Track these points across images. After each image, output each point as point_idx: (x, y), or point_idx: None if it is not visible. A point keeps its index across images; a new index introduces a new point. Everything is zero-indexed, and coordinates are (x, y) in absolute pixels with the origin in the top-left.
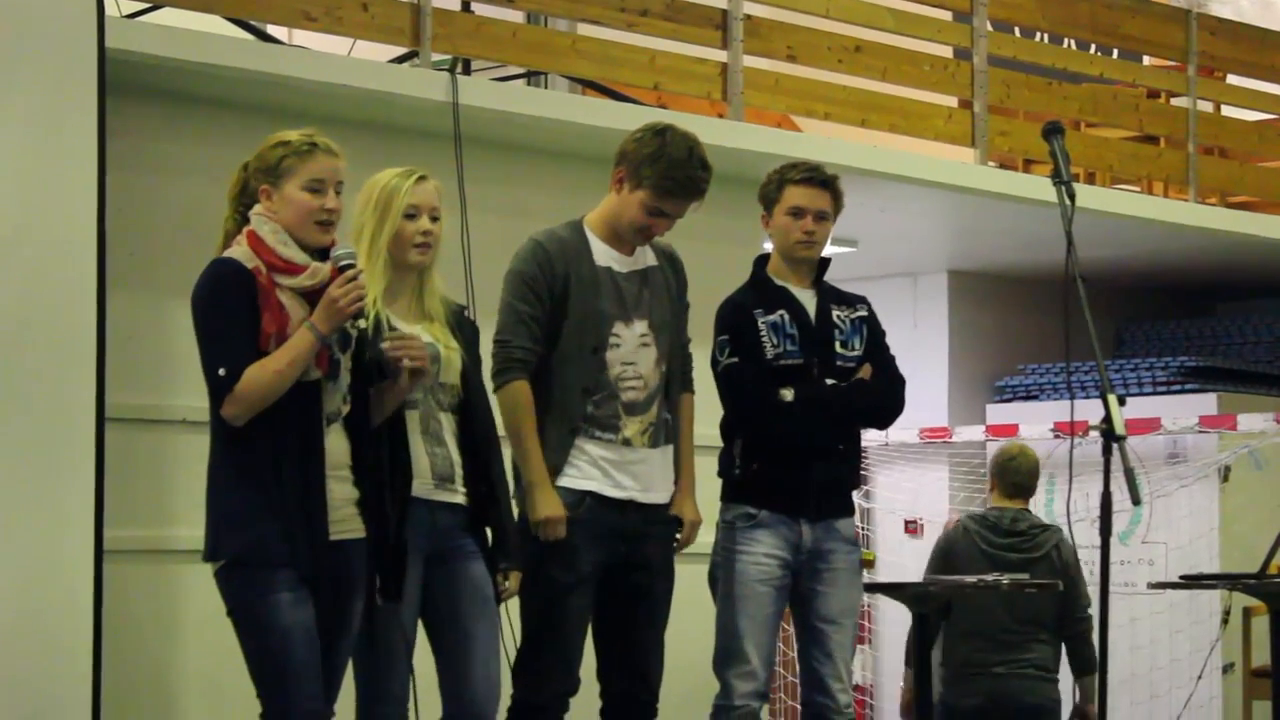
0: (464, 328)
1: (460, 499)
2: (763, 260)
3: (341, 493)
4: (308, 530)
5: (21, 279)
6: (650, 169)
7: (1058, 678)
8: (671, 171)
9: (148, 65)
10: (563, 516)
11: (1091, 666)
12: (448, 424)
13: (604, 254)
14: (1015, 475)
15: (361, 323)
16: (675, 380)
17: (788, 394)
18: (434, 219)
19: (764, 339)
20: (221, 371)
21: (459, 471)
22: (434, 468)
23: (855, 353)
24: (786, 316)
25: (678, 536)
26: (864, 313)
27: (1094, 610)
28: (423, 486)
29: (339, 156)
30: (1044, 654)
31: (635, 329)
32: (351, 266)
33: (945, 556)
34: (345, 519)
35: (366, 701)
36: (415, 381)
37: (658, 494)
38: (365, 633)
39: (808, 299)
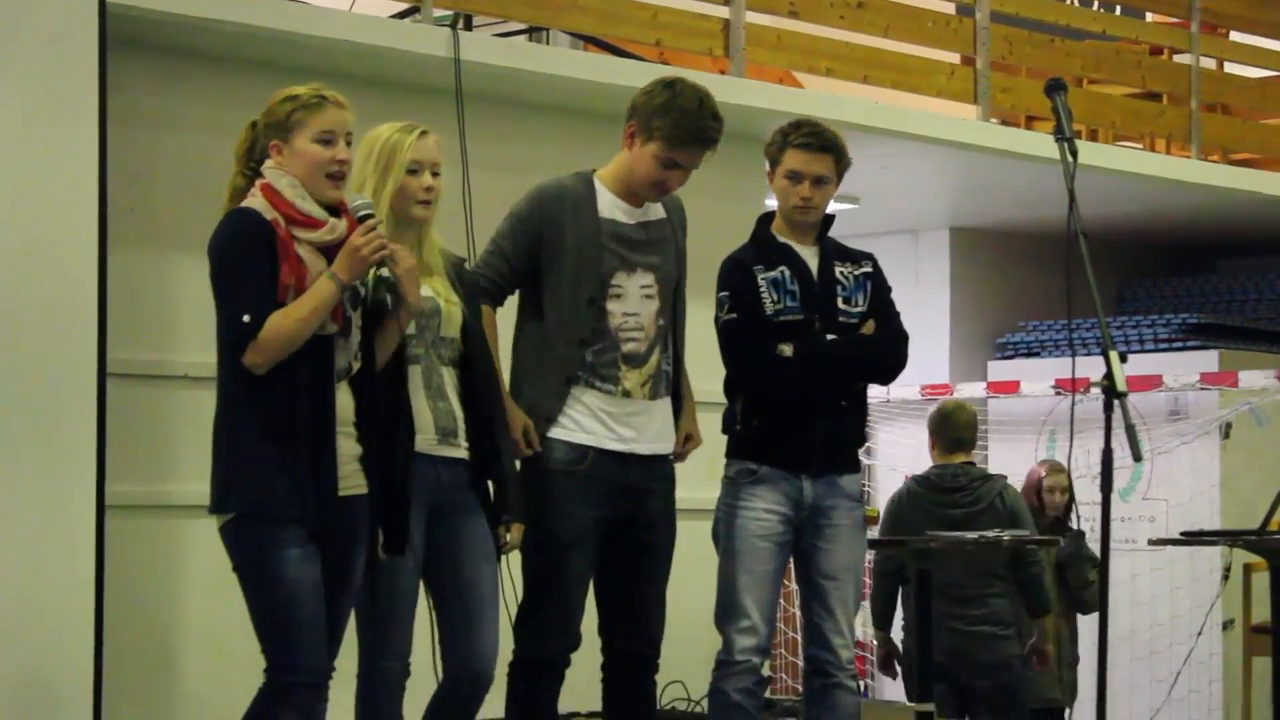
0: (464, 280)
1: (462, 453)
2: (766, 217)
3: (346, 448)
4: (316, 486)
5: (22, 235)
6: (661, 120)
7: (1013, 631)
8: (683, 121)
9: (149, 20)
10: (529, 424)
11: (1045, 608)
12: (449, 378)
13: (610, 205)
14: (952, 430)
15: (384, 271)
16: (680, 337)
17: (787, 349)
18: (435, 174)
19: (764, 295)
20: (246, 318)
21: (461, 426)
22: (437, 422)
23: (858, 309)
24: (788, 273)
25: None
26: (868, 269)
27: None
28: (426, 442)
29: (347, 109)
30: (1000, 606)
31: (638, 280)
32: (371, 216)
33: (894, 520)
34: (349, 475)
35: (369, 656)
36: (407, 313)
37: (659, 445)
38: (368, 588)
39: (810, 255)
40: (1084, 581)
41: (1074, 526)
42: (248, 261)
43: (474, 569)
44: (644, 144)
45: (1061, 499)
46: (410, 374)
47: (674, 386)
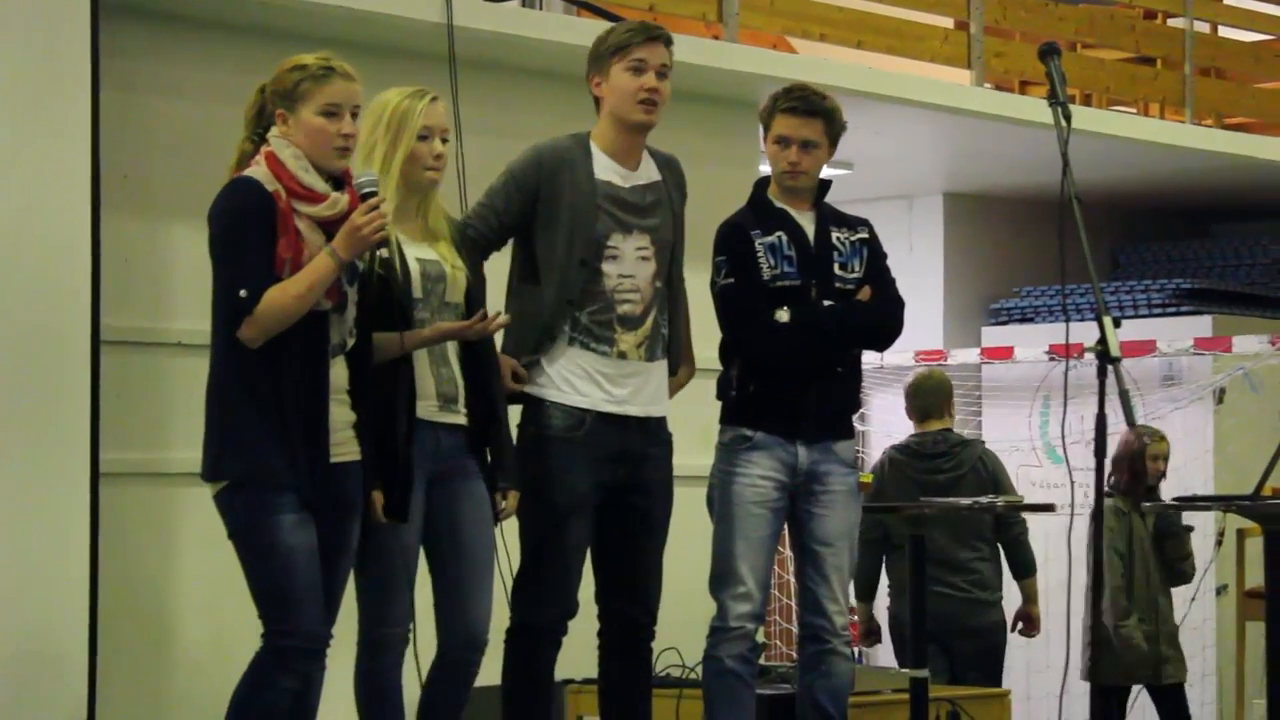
0: (466, 245)
1: (462, 419)
2: (763, 182)
3: (340, 415)
4: (310, 454)
5: (15, 201)
6: (604, 48)
7: (999, 596)
8: (622, 32)
9: None
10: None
11: (1030, 569)
12: (451, 344)
13: (606, 167)
14: (923, 398)
15: (384, 251)
16: (678, 301)
17: (783, 314)
18: (444, 139)
19: (761, 260)
20: (243, 293)
21: (462, 392)
22: (438, 389)
23: (855, 275)
24: (784, 238)
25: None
26: (865, 235)
27: (1088, 532)
28: (427, 408)
29: (355, 80)
30: (984, 571)
31: (633, 241)
32: (374, 194)
33: (877, 489)
34: (343, 441)
35: (369, 623)
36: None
37: (656, 407)
38: (368, 554)
39: (807, 221)
40: (1184, 553)
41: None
42: (247, 234)
43: (470, 534)
44: (606, 78)
45: (1164, 468)
46: None
47: (670, 353)
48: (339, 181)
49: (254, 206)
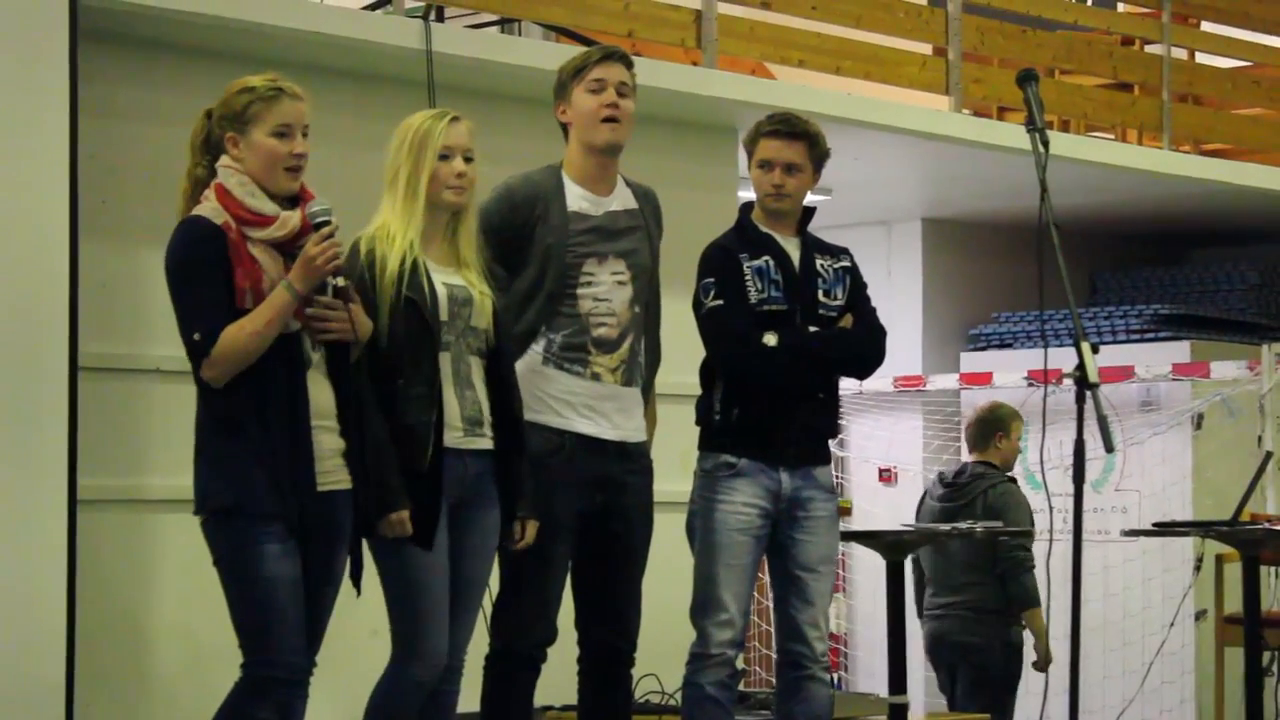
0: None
1: (488, 443)
2: (748, 207)
3: (328, 443)
4: (295, 481)
5: None
6: (564, 74)
7: (994, 617)
8: (579, 57)
9: (120, 11)
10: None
11: (1024, 601)
12: (476, 367)
13: (578, 197)
14: (970, 430)
15: (340, 280)
16: (654, 327)
17: (771, 339)
18: (468, 160)
19: (749, 284)
20: (196, 336)
21: (486, 415)
22: (463, 413)
23: (837, 302)
24: (771, 263)
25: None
26: (847, 263)
27: (1067, 557)
28: (453, 435)
29: (304, 100)
30: (981, 595)
31: (609, 267)
32: (327, 223)
33: (916, 514)
34: (332, 470)
35: (402, 655)
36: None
37: (634, 432)
38: (392, 583)
39: (792, 247)
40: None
41: None
42: (199, 275)
43: (467, 563)
44: (569, 103)
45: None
46: (440, 361)
47: (644, 386)
48: (295, 202)
49: (203, 245)
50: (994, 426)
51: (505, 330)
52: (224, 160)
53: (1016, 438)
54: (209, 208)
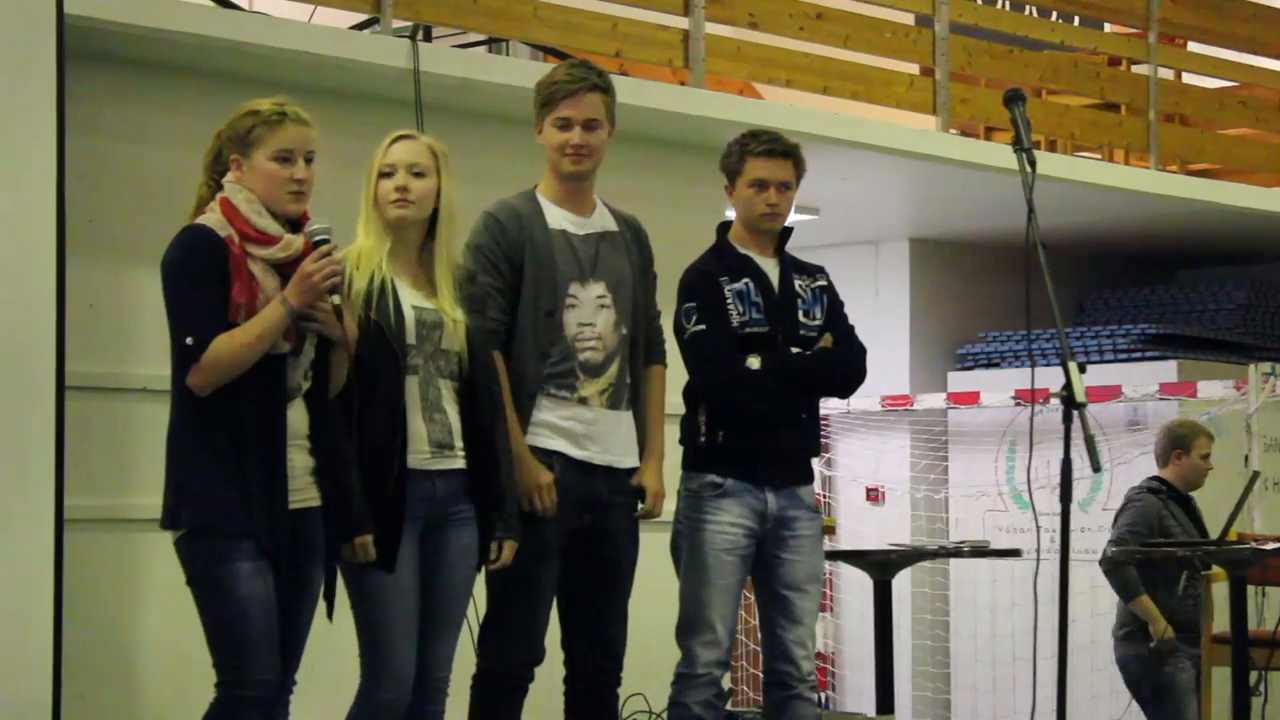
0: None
1: (459, 463)
2: (725, 227)
3: (300, 461)
4: (268, 501)
5: None
6: (537, 100)
7: (1127, 630)
8: (549, 85)
9: (107, 31)
10: (551, 480)
11: (1122, 594)
12: (447, 390)
13: (558, 217)
14: (1156, 446)
15: (335, 299)
16: (641, 350)
17: (754, 362)
18: (416, 174)
19: (730, 307)
20: (189, 340)
21: (457, 438)
22: (430, 435)
23: (816, 322)
24: (751, 285)
25: (641, 505)
26: (824, 282)
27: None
28: (419, 457)
29: (310, 125)
30: (1120, 610)
31: (592, 290)
32: (326, 242)
33: None
34: (303, 488)
35: (369, 680)
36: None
37: (621, 457)
38: (358, 605)
39: (770, 267)
40: None
41: None
42: (196, 281)
43: (444, 582)
44: (542, 131)
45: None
46: (407, 385)
47: (637, 405)
48: (297, 226)
49: (203, 253)
50: (1173, 444)
51: (480, 353)
52: (229, 177)
53: (1200, 455)
54: (213, 219)
